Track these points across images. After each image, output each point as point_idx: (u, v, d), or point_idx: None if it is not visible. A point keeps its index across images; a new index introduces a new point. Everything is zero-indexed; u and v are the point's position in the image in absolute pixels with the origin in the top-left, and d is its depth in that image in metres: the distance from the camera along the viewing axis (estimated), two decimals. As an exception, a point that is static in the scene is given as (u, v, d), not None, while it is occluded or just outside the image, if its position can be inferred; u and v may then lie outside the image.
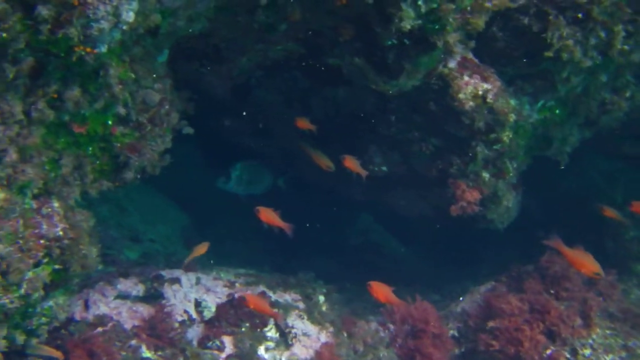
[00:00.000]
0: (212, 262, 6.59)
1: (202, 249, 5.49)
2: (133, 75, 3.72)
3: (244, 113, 6.17)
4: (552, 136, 5.57)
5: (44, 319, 3.83)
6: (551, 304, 5.47)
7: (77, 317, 4.88)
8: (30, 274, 3.45)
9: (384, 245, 8.95)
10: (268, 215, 5.32)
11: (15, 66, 3.07)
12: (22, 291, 3.42)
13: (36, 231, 3.49)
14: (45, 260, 3.56)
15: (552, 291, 5.75)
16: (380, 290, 4.83)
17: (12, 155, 3.21)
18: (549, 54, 4.60)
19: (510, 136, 5.16)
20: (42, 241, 3.51)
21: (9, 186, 3.27)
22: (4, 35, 2.87)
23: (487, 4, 4.17)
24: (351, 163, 5.34)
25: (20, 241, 3.38)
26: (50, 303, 3.87)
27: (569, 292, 5.70)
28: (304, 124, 5.35)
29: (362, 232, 9.01)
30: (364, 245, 8.90)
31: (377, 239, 8.97)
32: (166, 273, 5.58)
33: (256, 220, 5.48)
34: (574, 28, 4.57)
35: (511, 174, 5.52)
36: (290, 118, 5.57)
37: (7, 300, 3.34)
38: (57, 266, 3.65)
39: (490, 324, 5.37)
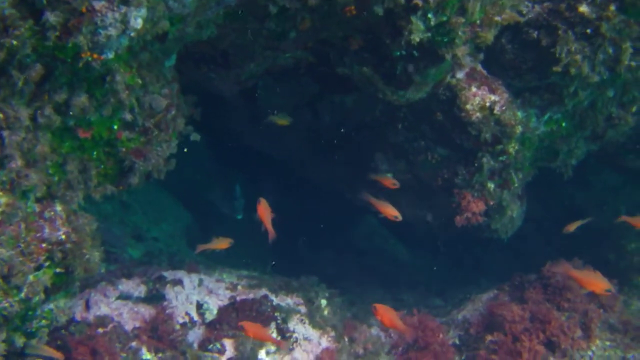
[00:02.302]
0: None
1: (222, 243, 5.46)
2: (140, 81, 3.71)
3: (252, 115, 6.17)
4: (558, 148, 5.55)
5: (44, 322, 3.83)
6: (552, 314, 5.46)
7: (78, 317, 4.88)
8: (31, 278, 3.44)
9: (387, 249, 8.94)
10: (264, 213, 5.30)
11: (24, 73, 3.06)
12: (23, 295, 3.41)
13: (38, 235, 3.49)
14: (47, 263, 3.55)
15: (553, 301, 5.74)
16: (386, 315, 4.80)
17: (17, 161, 3.21)
18: (558, 68, 4.58)
19: (517, 148, 5.15)
20: (44, 245, 3.50)
21: (12, 190, 3.26)
22: (15, 42, 2.87)
23: (497, 18, 4.14)
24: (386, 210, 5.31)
25: (22, 245, 3.38)
26: (51, 306, 3.87)
27: (570, 302, 5.69)
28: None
29: (366, 235, 8.99)
30: (368, 248, 8.89)
31: (381, 242, 8.96)
32: (168, 274, 5.59)
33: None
34: (582, 43, 4.55)
35: (516, 185, 5.50)
36: (298, 122, 5.56)
37: (7, 304, 3.33)
38: (58, 270, 3.64)
39: (489, 337, 5.37)
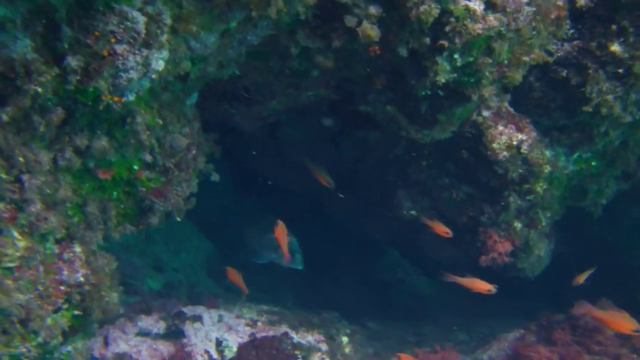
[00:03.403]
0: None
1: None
2: (161, 121, 3.66)
3: (273, 148, 6.13)
4: (587, 187, 5.43)
5: (61, 365, 3.77)
6: (582, 358, 5.30)
7: (97, 354, 4.83)
8: (49, 322, 3.39)
9: (410, 282, 8.80)
10: (281, 235, 5.38)
11: (45, 117, 3.03)
12: (40, 339, 3.36)
13: (57, 277, 3.44)
14: (65, 306, 3.49)
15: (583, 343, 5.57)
16: None
17: (37, 205, 3.17)
18: (588, 108, 4.47)
19: (545, 187, 5.04)
20: (62, 287, 3.45)
21: (30, 234, 3.22)
22: (40, 90, 2.85)
23: (525, 58, 4.05)
24: None
25: (40, 288, 3.33)
26: (69, 348, 3.80)
27: (601, 346, 5.51)
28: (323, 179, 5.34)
29: (388, 267, 8.87)
30: (389, 281, 8.76)
31: (403, 275, 8.83)
32: (188, 310, 5.52)
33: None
34: (614, 83, 4.44)
35: (544, 224, 5.39)
36: (319, 156, 5.50)
37: (24, 350, 3.28)
38: (76, 312, 3.59)
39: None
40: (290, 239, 6.08)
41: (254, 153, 6.54)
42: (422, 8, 3.55)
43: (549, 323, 5.93)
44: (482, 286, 5.10)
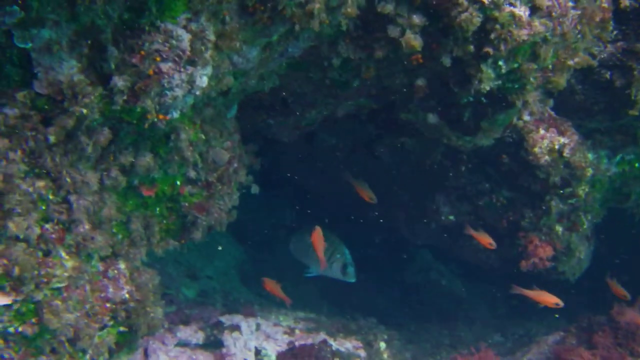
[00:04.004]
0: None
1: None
2: (203, 137, 3.65)
3: (307, 154, 6.10)
4: (630, 190, 5.33)
5: (107, 381, 3.76)
6: (626, 360, 5.21)
7: (138, 366, 4.83)
8: (96, 339, 3.39)
9: (444, 284, 8.72)
10: (318, 241, 5.31)
11: (92, 138, 3.02)
12: (88, 357, 3.36)
13: (102, 295, 3.44)
14: (111, 323, 3.49)
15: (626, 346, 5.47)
16: None
17: (85, 225, 3.16)
18: (635, 112, 4.38)
19: (587, 190, 4.95)
20: (108, 305, 3.45)
21: (78, 254, 3.21)
22: (85, 111, 2.83)
23: (570, 62, 3.97)
24: None
25: (87, 306, 3.32)
26: (112, 363, 3.80)
27: (644, 348, 5.41)
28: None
29: (421, 269, 8.79)
30: (423, 283, 8.68)
31: (437, 277, 8.74)
32: (225, 319, 5.49)
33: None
34: (660, 84, 4.35)
35: (585, 227, 5.30)
36: (356, 163, 5.45)
37: (73, 369, 3.28)
38: (122, 328, 3.58)
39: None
40: (343, 250, 6.00)
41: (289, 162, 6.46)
42: (463, 16, 3.49)
43: (590, 325, 5.83)
44: (550, 299, 5.09)
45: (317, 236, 5.32)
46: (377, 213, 6.53)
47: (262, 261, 8.45)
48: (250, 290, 7.54)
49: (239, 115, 4.32)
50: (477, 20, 3.48)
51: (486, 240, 5.17)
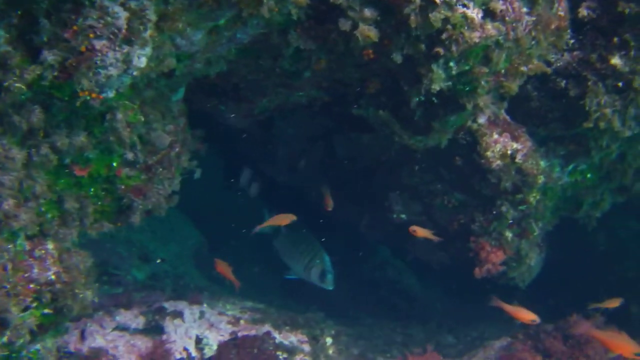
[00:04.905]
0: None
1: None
2: (143, 118, 3.53)
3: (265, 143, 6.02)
4: (582, 199, 5.32)
5: (29, 363, 3.66)
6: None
7: (72, 348, 4.72)
8: (16, 320, 3.28)
9: (400, 281, 8.70)
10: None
11: (24, 117, 2.91)
12: (5, 339, 3.26)
13: (26, 275, 3.32)
14: (35, 305, 3.39)
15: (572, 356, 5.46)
16: None
17: (9, 203, 3.05)
18: (589, 124, 4.36)
19: (538, 198, 4.93)
20: (32, 285, 3.34)
21: None
22: (23, 87, 2.72)
23: (523, 68, 3.92)
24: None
25: (8, 286, 3.22)
26: (38, 346, 3.69)
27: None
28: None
29: (378, 266, 8.76)
30: (380, 279, 8.65)
31: (394, 274, 8.71)
32: (169, 305, 5.40)
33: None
34: (613, 97, 4.31)
35: (536, 234, 5.27)
36: (312, 154, 5.38)
37: (-12, 349, 3.18)
38: (47, 311, 3.48)
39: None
40: (323, 256, 5.96)
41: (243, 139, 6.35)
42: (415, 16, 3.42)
43: (537, 332, 5.83)
44: (526, 316, 5.05)
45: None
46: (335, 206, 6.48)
47: (220, 248, 8.38)
48: (204, 276, 7.46)
49: (188, 99, 4.23)
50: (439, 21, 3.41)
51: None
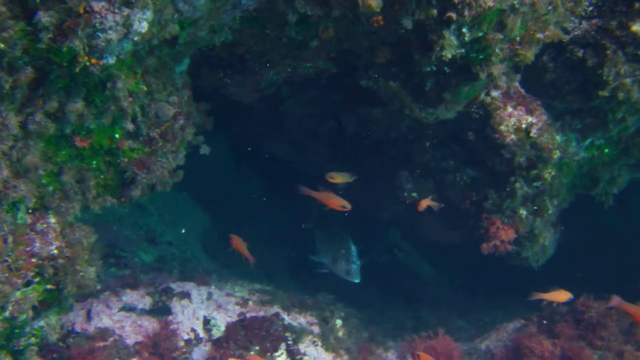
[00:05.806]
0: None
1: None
2: (145, 88, 3.42)
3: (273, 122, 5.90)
4: (599, 176, 5.14)
5: (33, 339, 3.57)
6: (585, 354, 5.08)
7: (78, 328, 4.64)
8: (18, 295, 3.19)
9: (410, 265, 8.58)
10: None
11: (13, 76, 2.79)
12: (7, 313, 3.17)
13: (28, 249, 3.24)
14: (37, 280, 3.30)
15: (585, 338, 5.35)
16: None
17: (4, 171, 2.95)
18: (604, 93, 4.18)
19: (553, 174, 4.78)
20: (33, 260, 3.26)
21: (-2, 203, 3.01)
22: (2, 45, 2.60)
23: (539, 35, 3.77)
24: None
25: (9, 260, 3.12)
26: (41, 323, 3.61)
27: (604, 341, 5.28)
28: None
29: (388, 249, 8.64)
30: (390, 263, 8.54)
31: (404, 257, 8.59)
32: (176, 286, 5.32)
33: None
34: (633, 66, 4.14)
35: (550, 212, 5.13)
36: (321, 132, 5.26)
37: (-12, 324, 3.09)
38: (49, 286, 3.39)
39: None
40: (350, 247, 5.92)
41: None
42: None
43: (552, 314, 5.71)
44: (564, 296, 5.04)
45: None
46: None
47: (228, 230, 8.27)
48: (211, 259, 7.38)
49: (196, 74, 4.11)
50: None
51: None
